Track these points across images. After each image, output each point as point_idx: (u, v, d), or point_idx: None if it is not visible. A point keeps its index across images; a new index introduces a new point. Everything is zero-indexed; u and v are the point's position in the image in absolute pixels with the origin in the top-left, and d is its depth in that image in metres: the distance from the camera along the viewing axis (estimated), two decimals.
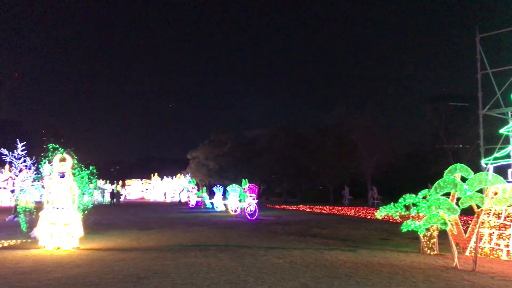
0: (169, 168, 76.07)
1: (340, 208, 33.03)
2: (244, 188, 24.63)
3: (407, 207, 11.57)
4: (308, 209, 33.29)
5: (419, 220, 10.75)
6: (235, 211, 26.70)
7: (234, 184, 27.88)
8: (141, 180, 73.34)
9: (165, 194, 58.89)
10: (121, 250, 11.92)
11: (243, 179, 25.52)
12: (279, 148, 49.93)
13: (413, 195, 11.50)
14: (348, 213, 28.71)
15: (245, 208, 23.92)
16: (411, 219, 11.15)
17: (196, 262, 9.95)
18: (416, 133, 43.29)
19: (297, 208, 34.75)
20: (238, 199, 26.44)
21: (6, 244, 12.91)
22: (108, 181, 61.69)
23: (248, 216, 23.30)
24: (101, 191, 50.29)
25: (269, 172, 52.53)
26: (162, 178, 61.65)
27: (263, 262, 10.04)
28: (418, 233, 11.15)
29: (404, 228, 10.70)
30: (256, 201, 24.02)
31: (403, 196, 11.64)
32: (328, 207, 35.46)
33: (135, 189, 72.69)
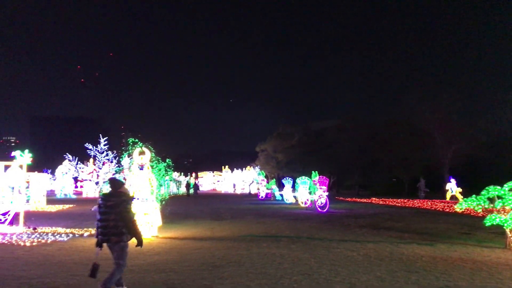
0: (238, 161, 77.48)
1: (415, 201, 31.68)
2: (314, 180, 24.45)
3: (491, 200, 10.82)
4: (381, 202, 32.31)
5: (505, 213, 10.03)
6: (305, 203, 26.61)
7: (303, 176, 27.75)
8: (213, 172, 75.56)
9: (234, 185, 60.16)
10: (197, 239, 12.38)
11: (312, 171, 25.33)
12: (348, 139, 48.82)
13: (498, 187, 10.73)
14: (424, 206, 27.45)
15: (316, 200, 23.76)
16: (495, 212, 10.43)
17: (269, 253, 10.07)
18: (496, 121, 40.08)
19: (369, 201, 33.87)
20: (308, 191, 26.32)
21: (93, 232, 13.92)
22: (182, 173, 64.29)
23: (318, 209, 23.13)
24: (176, 183, 52.50)
25: (339, 164, 51.58)
26: (232, 170, 63.00)
27: (336, 255, 9.93)
28: (504, 227, 10.41)
29: (488, 222, 10.04)
30: (326, 193, 23.75)
31: (486, 188, 10.90)
32: (402, 200, 34.15)
33: (207, 181, 75.06)
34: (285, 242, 11.78)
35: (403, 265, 8.74)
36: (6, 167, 14.60)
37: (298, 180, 27.74)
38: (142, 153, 13.22)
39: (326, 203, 23.15)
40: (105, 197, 6.48)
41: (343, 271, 8.21)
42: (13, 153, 15.14)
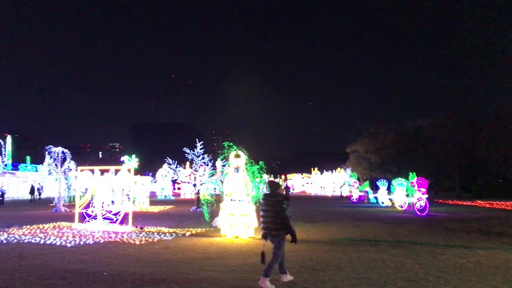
0: (328, 162, 76.35)
1: None
2: (411, 182, 23.20)
3: None
4: (487, 205, 29.70)
5: None
6: (402, 206, 25.37)
7: (399, 178, 26.47)
8: (301, 174, 75.37)
9: (324, 188, 59.36)
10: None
11: (410, 173, 24.05)
12: (447, 138, 45.55)
13: None
14: None
15: (414, 203, 22.53)
16: None
17: (369, 257, 9.74)
18: None
19: (472, 204, 31.31)
20: (405, 194, 25.05)
21: (194, 231, 14.62)
22: (272, 175, 65.03)
23: (417, 212, 21.89)
24: (266, 185, 53.19)
25: (436, 165, 48.33)
26: (322, 172, 62.25)
27: (443, 261, 9.29)
28: None
29: None
30: (426, 196, 22.41)
31: None
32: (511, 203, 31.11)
33: (296, 183, 75.03)
34: (384, 247, 11.31)
35: None
36: (116, 171, 15.94)
37: (394, 182, 26.53)
38: (237, 156, 13.58)
39: (426, 206, 21.85)
40: (265, 197, 7.48)
41: (453, 279, 7.64)
42: (122, 158, 16.45)
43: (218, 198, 16.34)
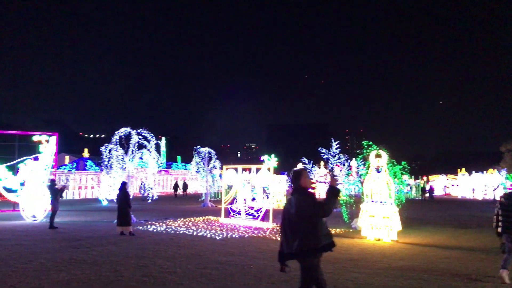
0: (476, 163, 69.10)
1: None
2: None
3: None
4: None
5: None
6: None
7: None
8: (446, 175, 69.44)
9: (473, 190, 53.74)
10: (442, 248, 11.49)
11: None
12: None
13: None
14: None
15: None
16: None
17: None
18: None
19: None
20: None
21: (333, 232, 14.52)
22: (412, 176, 61.28)
23: None
24: (406, 186, 50.44)
25: None
26: (470, 173, 56.48)
27: None
28: None
29: None
30: None
31: None
32: None
33: (439, 185, 69.39)
34: None
35: None
36: (257, 170, 16.71)
37: None
38: (378, 155, 13.12)
39: None
40: (507, 197, 7.78)
41: None
42: (262, 158, 17.21)
43: (357, 199, 16.00)
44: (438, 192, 66.95)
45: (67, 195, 36.56)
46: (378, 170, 13.05)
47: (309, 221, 4.69)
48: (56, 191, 16.35)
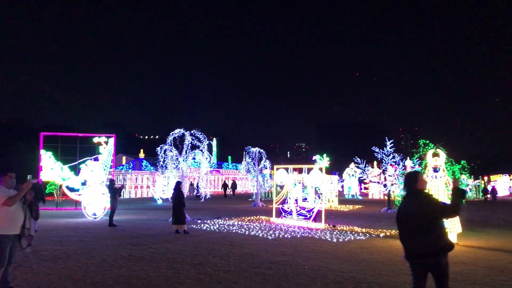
0: None
1: None
2: None
3: None
4: None
5: None
6: None
7: None
8: (510, 175, 65.54)
9: None
10: (508, 252, 10.84)
11: None
12: None
13: None
14: None
15: None
16: None
17: None
18: None
19: None
20: None
21: (388, 233, 14.13)
22: (472, 176, 58.36)
23: None
24: (466, 187, 48.10)
25: None
26: None
27: None
28: None
29: None
30: None
31: None
32: None
33: (502, 185, 65.55)
34: None
35: None
36: (309, 170, 16.58)
37: None
38: (436, 154, 12.58)
39: None
40: None
41: None
42: (313, 157, 17.06)
43: None
44: (501, 192, 63.39)
45: (124, 194, 38.10)
46: (435, 170, 12.51)
47: (435, 222, 4.80)
48: (115, 190, 17.07)
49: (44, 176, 22.62)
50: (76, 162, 23.52)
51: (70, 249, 10.43)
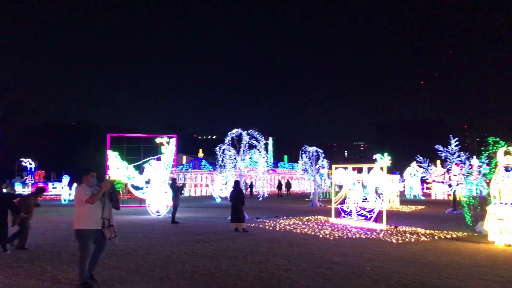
0: None
1: None
2: None
3: None
4: None
5: None
6: None
7: None
8: None
9: None
10: None
11: None
12: None
13: None
14: None
15: None
16: None
17: None
18: None
19: None
20: None
21: (454, 235, 13.49)
22: None
23: None
24: None
25: None
26: None
27: None
28: None
29: None
30: None
31: None
32: None
33: None
34: None
35: None
36: (369, 169, 16.20)
37: None
38: (507, 153, 11.84)
39: None
40: None
41: None
42: (374, 157, 16.63)
43: (482, 201, 14.64)
44: None
45: (184, 192, 39.31)
46: (507, 169, 11.77)
47: None
48: (176, 189, 17.68)
49: (110, 175, 23.86)
50: (140, 162, 24.60)
51: (136, 245, 10.93)
